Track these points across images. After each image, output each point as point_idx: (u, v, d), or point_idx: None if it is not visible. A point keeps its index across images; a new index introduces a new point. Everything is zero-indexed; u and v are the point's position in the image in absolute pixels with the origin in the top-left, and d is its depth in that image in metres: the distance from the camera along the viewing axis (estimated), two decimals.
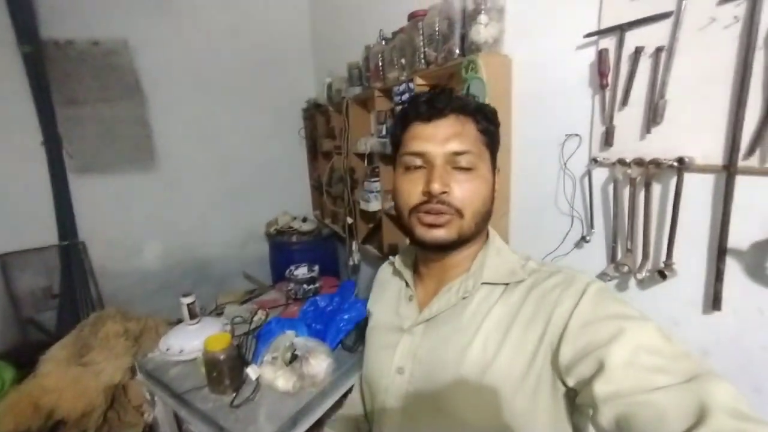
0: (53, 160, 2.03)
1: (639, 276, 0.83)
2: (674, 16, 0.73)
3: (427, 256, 0.61)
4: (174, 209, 2.41)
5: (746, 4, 0.64)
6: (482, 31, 1.08)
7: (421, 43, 1.34)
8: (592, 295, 0.45)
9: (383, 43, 1.65)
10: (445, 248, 0.55)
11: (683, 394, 0.34)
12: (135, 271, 2.36)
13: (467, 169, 0.52)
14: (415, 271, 0.67)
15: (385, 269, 0.77)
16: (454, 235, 0.53)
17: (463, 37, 1.16)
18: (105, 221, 2.24)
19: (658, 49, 0.75)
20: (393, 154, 0.62)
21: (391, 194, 0.61)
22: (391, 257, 0.76)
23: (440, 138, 0.52)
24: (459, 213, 0.52)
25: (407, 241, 0.64)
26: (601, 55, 0.84)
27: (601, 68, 0.85)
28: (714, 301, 0.74)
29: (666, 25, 0.74)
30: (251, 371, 1.04)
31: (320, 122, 2.44)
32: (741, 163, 0.68)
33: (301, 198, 2.90)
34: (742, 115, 0.67)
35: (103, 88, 2.13)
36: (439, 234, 0.53)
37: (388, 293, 0.70)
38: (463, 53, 1.17)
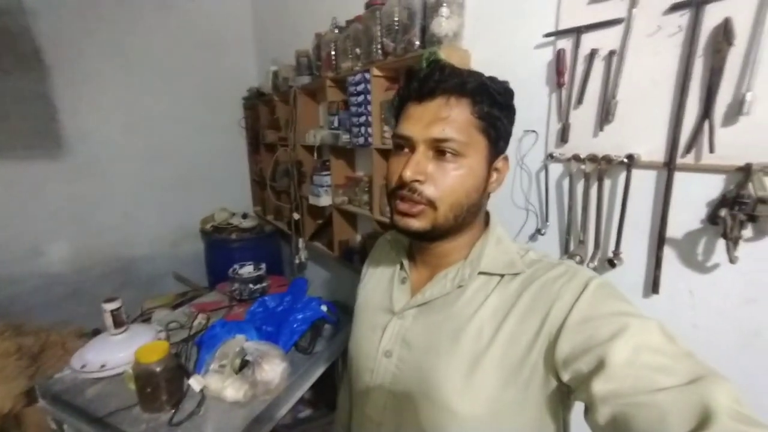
0: None
1: (591, 265, 0.88)
2: (625, 22, 0.79)
3: (419, 243, 0.59)
4: (89, 204, 2.08)
5: (689, 14, 0.71)
6: (443, 23, 1.08)
7: (379, 33, 1.31)
8: (594, 291, 0.44)
9: (336, 31, 1.59)
10: (423, 238, 0.53)
11: (685, 396, 0.33)
12: (35, 276, 1.99)
13: (449, 158, 0.48)
14: (410, 253, 0.64)
15: (383, 246, 0.72)
16: (427, 226, 0.50)
17: (424, 29, 1.15)
18: None
19: (611, 53, 0.81)
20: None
21: None
22: (385, 235, 0.73)
23: (425, 122, 0.48)
24: (431, 204, 0.49)
25: None
26: (559, 54, 0.88)
27: (558, 67, 0.89)
28: (653, 285, 0.81)
29: (618, 30, 0.80)
30: (194, 382, 0.92)
31: (263, 112, 2.29)
32: (679, 160, 0.75)
33: (240, 193, 2.70)
34: (681, 117, 0.74)
35: None
36: (411, 223, 0.51)
37: (380, 272, 0.67)
38: (423, 45, 1.16)
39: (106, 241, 2.15)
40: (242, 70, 2.55)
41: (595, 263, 0.89)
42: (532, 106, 0.97)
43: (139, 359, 0.86)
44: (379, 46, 1.31)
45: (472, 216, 0.53)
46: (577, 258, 0.92)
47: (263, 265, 1.44)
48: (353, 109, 1.43)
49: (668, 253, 0.80)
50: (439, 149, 0.48)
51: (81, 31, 1.96)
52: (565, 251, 0.97)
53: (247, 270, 1.42)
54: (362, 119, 1.39)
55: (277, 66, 2.07)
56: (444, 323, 0.52)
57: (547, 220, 1.00)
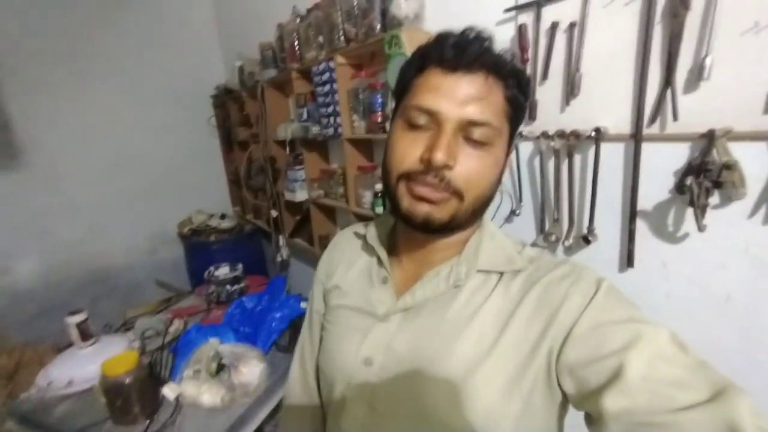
0: None
1: (566, 243, 0.88)
2: None
3: (411, 235, 0.51)
4: (54, 216, 1.99)
5: None
6: (403, 5, 1.05)
7: (340, 19, 1.27)
8: (605, 294, 0.40)
9: (297, 20, 1.53)
10: (434, 230, 0.45)
11: (708, 416, 0.30)
12: (2, 295, 1.90)
13: (481, 144, 0.42)
14: (391, 247, 0.57)
15: (349, 241, 0.64)
16: (445, 217, 0.44)
17: (384, 12, 1.12)
18: None
19: (572, 25, 0.79)
20: (396, 101, 0.50)
21: (384, 150, 0.49)
22: (357, 227, 0.64)
23: (460, 97, 0.41)
24: (458, 195, 0.43)
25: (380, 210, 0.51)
26: (521, 30, 0.86)
27: (521, 43, 0.87)
28: (628, 259, 0.81)
29: (576, 1, 0.78)
30: (168, 390, 0.89)
31: (233, 110, 2.22)
32: (645, 131, 0.74)
33: (217, 193, 2.63)
34: (644, 86, 0.73)
35: None
36: (430, 211, 0.43)
37: (354, 270, 0.59)
38: (384, 29, 1.13)
39: (76, 253, 2.06)
40: (208, 68, 2.45)
41: (570, 241, 0.88)
42: None
43: (106, 372, 0.82)
44: (341, 33, 1.27)
45: (485, 209, 0.48)
46: (553, 237, 0.92)
47: (240, 266, 1.40)
48: (320, 99, 1.39)
49: (640, 226, 0.80)
50: (469, 133, 0.42)
51: (29, 32, 1.84)
52: (541, 231, 0.96)
53: (224, 271, 1.38)
54: (330, 109, 1.35)
55: (242, 61, 2.00)
56: (438, 328, 0.46)
57: (521, 200, 0.99)
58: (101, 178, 2.11)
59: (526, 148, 0.95)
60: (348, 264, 0.61)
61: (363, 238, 0.60)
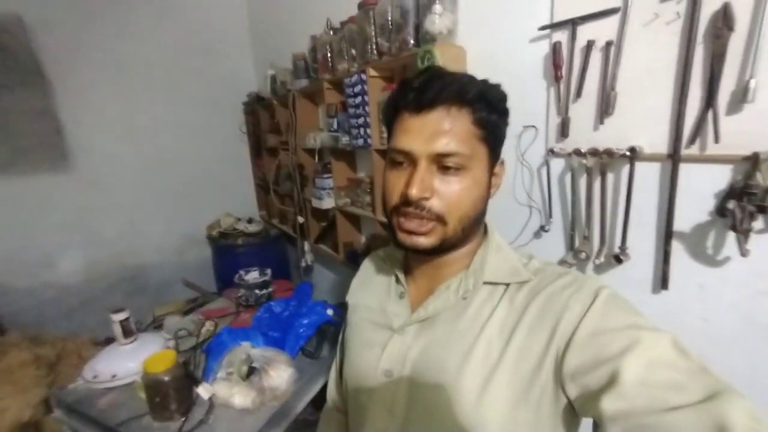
0: None
1: (597, 261, 0.87)
2: (621, 11, 0.76)
3: (416, 256, 0.56)
4: (96, 215, 2.11)
5: (686, 1, 0.68)
6: (437, 21, 1.07)
7: (373, 33, 1.30)
8: (604, 302, 0.42)
9: (331, 33, 1.58)
10: (429, 253, 0.51)
11: (699, 416, 0.31)
12: (47, 287, 2.03)
13: (453, 172, 0.47)
14: (405, 266, 0.62)
15: (373, 262, 0.70)
16: (436, 242, 0.49)
17: (417, 27, 1.14)
18: (5, 231, 1.89)
19: (608, 43, 0.79)
20: (388, 141, 0.55)
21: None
22: (380, 251, 0.71)
23: (426, 135, 0.46)
24: (441, 220, 0.47)
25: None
26: (555, 48, 0.86)
27: (555, 61, 0.87)
28: (662, 281, 0.80)
29: (614, 20, 0.78)
30: (203, 390, 0.93)
31: (264, 117, 2.30)
32: (684, 151, 0.73)
33: (245, 198, 2.71)
34: (683, 107, 0.72)
35: None
36: (420, 241, 0.49)
37: (374, 287, 0.65)
38: (417, 44, 1.15)
39: (114, 251, 2.18)
40: (241, 75, 2.55)
41: (602, 259, 0.87)
42: (531, 101, 0.96)
43: (147, 369, 0.87)
44: (374, 46, 1.30)
45: (477, 225, 0.52)
46: (583, 254, 0.91)
47: (268, 271, 1.45)
48: (351, 110, 1.42)
49: (676, 248, 0.78)
50: (444, 163, 0.46)
51: (79, 43, 1.98)
52: (570, 248, 0.95)
53: (253, 276, 1.42)
54: (360, 120, 1.38)
55: (275, 70, 2.07)
56: (449, 339, 0.49)
57: (550, 216, 0.99)
58: (138, 180, 2.23)
59: (557, 165, 0.95)
60: (370, 283, 0.67)
61: (383, 260, 0.67)
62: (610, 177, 0.84)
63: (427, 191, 0.46)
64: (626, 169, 0.80)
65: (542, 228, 1.01)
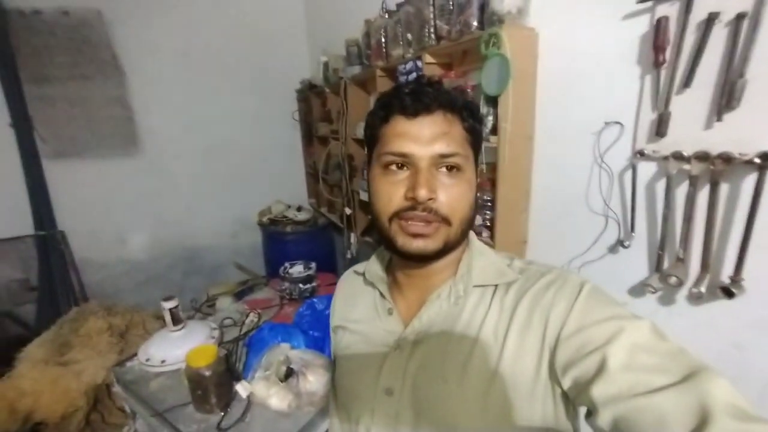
0: (24, 143, 1.86)
1: (694, 290, 0.71)
2: None
3: (407, 266, 0.56)
4: (160, 197, 2.26)
5: None
6: None
7: (432, 15, 1.18)
8: (587, 296, 0.44)
9: (386, 16, 1.48)
10: (430, 259, 0.51)
11: (682, 396, 0.33)
12: (120, 262, 2.23)
13: (454, 173, 0.48)
14: (391, 280, 0.61)
15: (352, 281, 0.70)
16: (440, 244, 0.49)
17: (483, 7, 1.01)
18: (86, 210, 2.09)
19: (740, 16, 0.61)
20: (369, 151, 0.56)
21: (369, 196, 0.54)
22: (356, 267, 0.70)
23: (426, 138, 0.47)
24: (446, 221, 0.48)
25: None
26: (660, 24, 0.69)
27: (657, 41, 0.70)
28: None
29: None
30: (241, 388, 0.93)
31: (316, 105, 2.28)
32: None
33: (295, 186, 2.75)
34: None
35: (76, 65, 1.94)
36: (425, 244, 0.48)
37: (359, 306, 0.64)
38: (481, 26, 1.02)
39: (174, 232, 2.33)
40: (295, 62, 2.55)
41: (702, 289, 0.71)
42: (617, 92, 0.80)
43: (190, 363, 0.88)
44: (431, 30, 1.19)
45: (470, 229, 0.54)
46: (673, 279, 0.75)
47: (313, 265, 1.43)
48: None
49: None
50: (444, 165, 0.48)
51: (149, 35, 2.09)
52: (657, 269, 0.79)
53: (297, 269, 1.41)
54: None
55: (327, 57, 2.02)
56: (447, 348, 0.50)
57: (632, 230, 0.83)
58: (198, 165, 2.34)
59: (647, 170, 0.79)
60: (353, 303, 0.66)
61: (362, 275, 0.65)
62: (723, 188, 0.67)
63: (434, 192, 0.47)
64: (751, 179, 0.63)
65: (621, 243, 0.86)
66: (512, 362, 0.45)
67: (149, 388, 1.02)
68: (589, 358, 0.39)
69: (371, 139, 0.54)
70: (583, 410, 0.43)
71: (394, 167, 0.49)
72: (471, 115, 0.50)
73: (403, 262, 0.56)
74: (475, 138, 0.51)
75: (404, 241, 0.49)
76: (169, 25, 2.13)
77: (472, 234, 0.57)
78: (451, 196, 0.48)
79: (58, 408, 1.54)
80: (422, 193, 0.45)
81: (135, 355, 1.11)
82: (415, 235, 0.48)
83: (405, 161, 0.48)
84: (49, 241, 2.01)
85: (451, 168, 0.48)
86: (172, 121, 2.22)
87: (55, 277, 2.04)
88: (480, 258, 0.54)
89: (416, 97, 0.48)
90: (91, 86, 2.00)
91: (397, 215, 0.49)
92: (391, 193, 0.49)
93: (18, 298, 2.03)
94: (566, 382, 0.42)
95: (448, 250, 0.51)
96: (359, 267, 0.68)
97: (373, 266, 0.64)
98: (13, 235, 1.95)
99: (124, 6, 1.99)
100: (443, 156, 0.47)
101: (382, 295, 0.60)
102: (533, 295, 0.47)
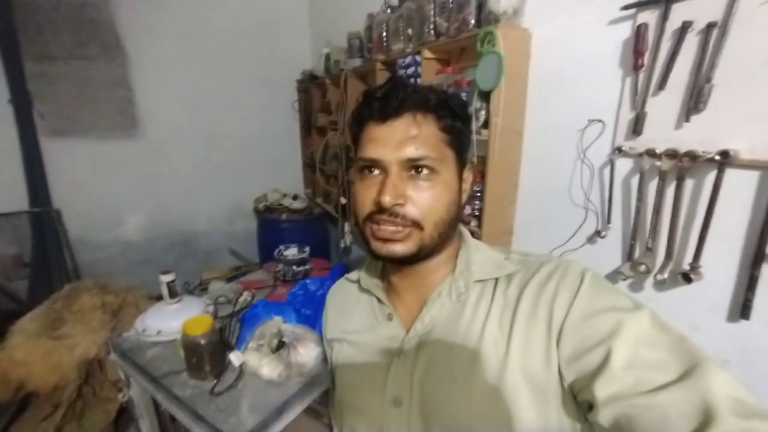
0: (22, 119, 1.87)
1: (659, 277, 0.77)
2: None
3: (399, 268, 0.55)
4: (158, 180, 2.28)
5: None
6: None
7: (432, 12, 1.23)
8: (589, 285, 0.44)
9: (389, 11, 1.52)
10: (408, 261, 0.51)
11: (684, 393, 0.33)
12: (116, 243, 2.24)
13: (427, 175, 0.47)
14: (387, 285, 0.60)
15: (345, 291, 0.68)
16: (413, 248, 0.48)
17: (480, 6, 1.06)
18: (83, 189, 2.10)
19: (710, 25, 0.67)
20: (354, 153, 0.56)
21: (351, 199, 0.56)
22: (349, 275, 0.69)
23: (395, 142, 0.47)
24: (417, 225, 0.47)
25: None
26: (639, 30, 0.75)
27: (637, 46, 0.76)
28: (743, 309, 0.68)
29: None
30: (234, 357, 0.97)
31: (316, 95, 2.31)
32: None
33: (292, 175, 2.79)
34: None
35: (80, 44, 1.95)
36: (395, 249, 0.48)
37: (357, 317, 0.62)
38: (479, 24, 1.07)
39: (170, 215, 2.35)
40: (297, 52, 2.58)
41: (665, 275, 0.77)
42: (600, 92, 0.86)
43: (186, 331, 0.92)
44: (431, 26, 1.24)
45: (453, 230, 0.53)
46: (643, 267, 0.81)
47: (307, 248, 1.47)
48: None
49: (767, 273, 0.67)
50: (415, 168, 0.47)
51: (153, 19, 2.10)
52: (629, 258, 0.85)
53: (292, 252, 1.45)
54: None
55: (330, 48, 2.05)
56: (452, 346, 0.48)
57: (609, 221, 0.89)
58: (197, 150, 2.36)
59: (624, 165, 0.85)
60: (348, 314, 0.64)
61: (357, 282, 0.64)
62: (688, 183, 0.73)
63: (400, 198, 0.46)
64: (712, 175, 0.69)
65: (597, 233, 0.92)
66: (521, 354, 0.44)
67: (145, 356, 1.06)
68: (592, 353, 0.39)
69: (354, 143, 0.54)
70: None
71: (367, 171, 0.49)
72: (450, 113, 0.49)
73: (394, 265, 0.55)
74: (455, 136, 0.49)
75: (375, 245, 0.49)
76: (173, 11, 2.14)
77: (465, 230, 0.57)
78: (422, 200, 0.47)
79: (50, 379, 1.56)
80: (386, 200, 0.45)
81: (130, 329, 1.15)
82: (385, 240, 0.48)
83: (377, 166, 0.48)
84: (44, 219, 2.02)
85: (421, 170, 0.47)
86: (173, 105, 2.23)
87: (49, 254, 2.05)
88: (477, 253, 0.54)
89: (385, 102, 0.47)
90: (93, 67, 2.01)
91: (370, 219, 0.49)
92: (364, 197, 0.49)
93: (11, 273, 2.04)
94: (569, 376, 0.41)
95: (428, 254, 0.50)
96: (352, 275, 0.67)
97: (367, 273, 0.63)
98: (8, 211, 1.96)
99: None
100: (412, 160, 0.46)
101: (379, 301, 0.58)
102: (536, 285, 0.47)
